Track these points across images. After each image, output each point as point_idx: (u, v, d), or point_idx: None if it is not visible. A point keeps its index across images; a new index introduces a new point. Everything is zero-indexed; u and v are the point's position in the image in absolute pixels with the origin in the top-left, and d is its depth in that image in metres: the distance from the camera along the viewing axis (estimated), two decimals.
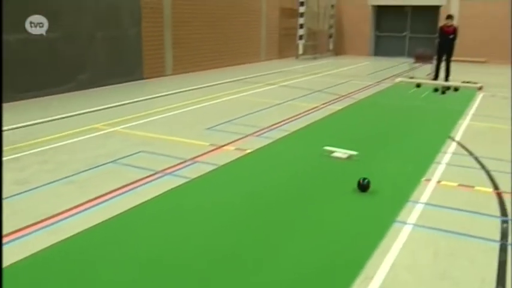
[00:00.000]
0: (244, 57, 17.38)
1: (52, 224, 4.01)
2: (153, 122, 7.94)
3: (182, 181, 5.06)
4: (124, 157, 5.88)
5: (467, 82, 12.64)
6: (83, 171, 5.34)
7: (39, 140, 6.61)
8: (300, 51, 19.58)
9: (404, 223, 4.12)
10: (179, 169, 5.47)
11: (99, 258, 3.49)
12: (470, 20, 19.94)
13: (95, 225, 3.98)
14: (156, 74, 13.10)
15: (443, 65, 13.31)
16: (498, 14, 19.49)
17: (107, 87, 11.27)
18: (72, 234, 3.80)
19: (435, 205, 4.55)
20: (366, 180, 4.83)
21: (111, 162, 5.69)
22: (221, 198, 4.68)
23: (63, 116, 8.12)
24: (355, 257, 3.56)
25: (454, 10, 19.84)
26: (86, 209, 4.32)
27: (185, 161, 5.74)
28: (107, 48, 11.46)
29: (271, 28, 19.07)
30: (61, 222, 4.05)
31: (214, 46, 15.59)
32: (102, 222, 4.04)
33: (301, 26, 19.33)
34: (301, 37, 19.44)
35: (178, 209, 4.43)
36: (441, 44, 13.27)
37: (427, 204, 4.57)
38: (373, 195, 4.80)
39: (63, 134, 6.92)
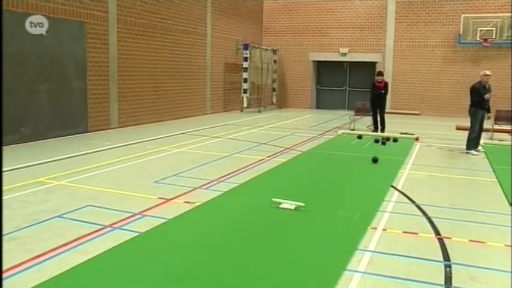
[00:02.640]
0: (190, 111, 17.54)
1: None
2: (99, 176, 7.78)
3: (131, 235, 4.96)
4: (70, 211, 5.71)
5: (405, 133, 13.29)
6: (26, 227, 5.13)
7: None
8: (245, 104, 19.97)
9: (355, 271, 4.21)
10: (128, 223, 5.36)
11: None
12: (404, 76, 21.28)
13: (38, 285, 3.79)
14: (101, 127, 12.95)
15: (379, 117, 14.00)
16: (428, 71, 20.93)
17: (50, 140, 11.03)
18: None
19: (382, 252, 4.68)
20: (376, 157, 9.11)
21: (57, 217, 5.51)
22: (170, 254, 4.61)
23: (5, 169, 7.82)
24: None
25: (388, 66, 21.11)
26: (28, 267, 4.13)
27: (134, 215, 5.65)
28: (50, 101, 11.31)
29: (216, 82, 19.44)
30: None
31: (160, 100, 15.68)
32: (46, 281, 3.86)
33: (245, 80, 19.80)
34: (245, 91, 19.86)
35: (128, 265, 4.32)
36: (373, 98, 14.02)
37: (374, 252, 4.69)
38: (322, 245, 4.89)
39: (5, 188, 6.66)
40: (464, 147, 11.00)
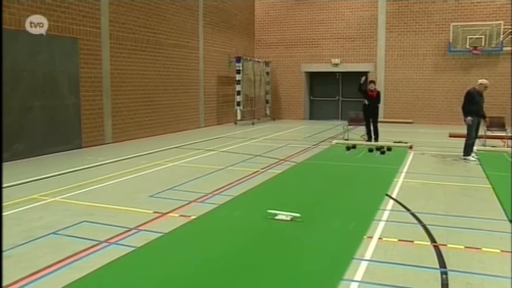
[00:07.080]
0: (184, 124, 17.56)
1: None
2: (94, 191, 7.76)
3: (127, 250, 4.94)
4: (65, 228, 5.69)
5: (399, 142, 13.34)
6: (21, 245, 5.10)
7: None
8: (238, 117, 20.01)
9: (351, 281, 4.21)
10: (124, 238, 5.35)
11: None
12: (396, 85, 21.43)
13: None
14: (96, 142, 12.95)
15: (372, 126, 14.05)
16: (420, 79, 21.09)
17: (44, 156, 11.01)
18: None
19: (379, 261, 4.69)
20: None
21: (52, 233, 5.49)
22: (167, 268, 4.60)
23: None
24: None
25: (380, 76, 21.25)
26: (23, 285, 4.10)
27: (129, 230, 5.63)
28: (44, 118, 11.31)
29: (209, 96, 19.49)
30: None
31: (153, 114, 15.70)
32: None
33: (239, 93, 19.86)
34: (238, 103, 19.92)
35: (124, 280, 4.30)
36: (366, 107, 14.06)
37: (371, 260, 4.70)
38: (318, 255, 4.89)
39: None
40: (458, 154, 11.06)
